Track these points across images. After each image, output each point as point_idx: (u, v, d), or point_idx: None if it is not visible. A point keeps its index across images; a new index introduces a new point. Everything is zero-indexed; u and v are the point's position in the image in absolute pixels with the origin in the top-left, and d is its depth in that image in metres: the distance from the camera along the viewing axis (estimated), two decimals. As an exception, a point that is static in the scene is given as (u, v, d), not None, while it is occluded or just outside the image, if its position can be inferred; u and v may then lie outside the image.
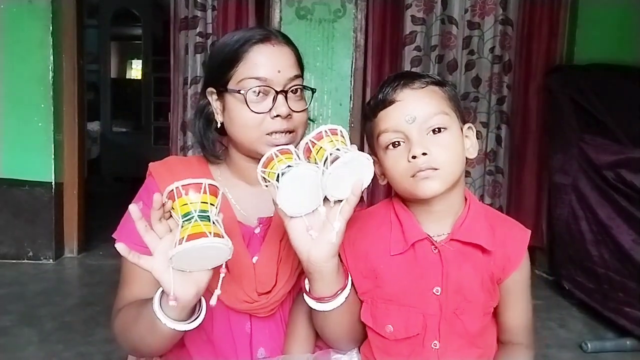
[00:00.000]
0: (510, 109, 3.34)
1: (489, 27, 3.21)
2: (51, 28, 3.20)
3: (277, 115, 0.95)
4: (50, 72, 3.21)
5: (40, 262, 3.28)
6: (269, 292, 0.97)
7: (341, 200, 0.83)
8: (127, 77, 7.96)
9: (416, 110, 0.87)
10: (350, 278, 0.92)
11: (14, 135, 3.23)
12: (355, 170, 0.81)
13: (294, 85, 0.98)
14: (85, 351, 2.22)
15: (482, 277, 0.91)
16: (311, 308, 0.90)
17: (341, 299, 0.88)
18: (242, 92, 0.94)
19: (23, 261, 3.27)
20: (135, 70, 7.82)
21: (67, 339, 2.32)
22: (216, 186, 0.80)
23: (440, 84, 0.92)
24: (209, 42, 3.26)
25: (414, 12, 3.15)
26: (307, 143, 0.84)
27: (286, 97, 0.96)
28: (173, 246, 0.77)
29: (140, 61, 6.74)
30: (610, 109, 2.79)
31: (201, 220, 0.77)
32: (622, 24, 3.23)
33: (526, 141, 3.40)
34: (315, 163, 0.83)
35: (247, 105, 0.94)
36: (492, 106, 3.29)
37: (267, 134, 0.95)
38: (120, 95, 6.73)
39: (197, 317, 0.86)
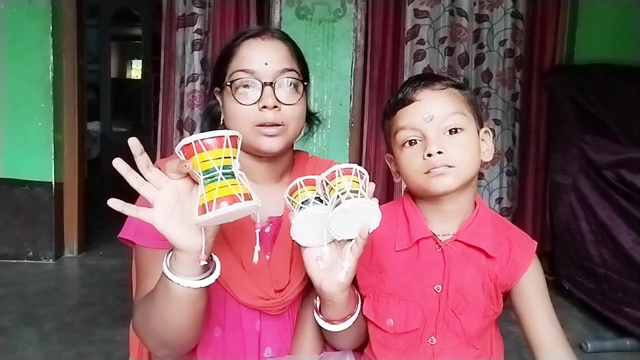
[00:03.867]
0: (522, 106, 3.30)
1: (499, 19, 3.20)
2: (51, 28, 3.20)
3: (264, 107, 0.94)
4: (50, 72, 3.21)
5: (40, 262, 3.28)
6: (283, 290, 0.98)
7: (352, 239, 0.85)
8: (127, 77, 7.98)
9: (434, 110, 0.89)
10: (360, 304, 0.94)
11: (14, 135, 3.23)
12: (360, 214, 0.82)
13: (285, 78, 0.97)
14: (85, 351, 2.22)
15: (484, 280, 0.92)
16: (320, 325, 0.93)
17: (349, 323, 0.91)
18: (228, 84, 0.96)
19: (23, 261, 3.27)
20: (135, 70, 7.84)
21: (67, 339, 2.31)
22: (237, 136, 0.77)
23: (460, 87, 0.94)
24: (207, 39, 3.25)
25: (416, 6, 3.13)
26: (322, 181, 0.85)
27: (274, 89, 0.96)
28: (199, 208, 0.72)
29: (140, 61, 6.75)
30: (610, 109, 2.79)
31: (227, 179, 0.73)
32: (622, 23, 3.23)
33: (533, 141, 3.36)
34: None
35: (234, 97, 0.95)
36: (507, 102, 3.26)
37: (257, 126, 0.95)
38: (120, 95, 6.73)
39: (212, 272, 0.82)
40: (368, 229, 0.82)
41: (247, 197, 0.74)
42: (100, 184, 5.77)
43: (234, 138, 0.76)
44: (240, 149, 1.00)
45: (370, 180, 0.85)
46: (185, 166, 0.73)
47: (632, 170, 2.40)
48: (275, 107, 0.95)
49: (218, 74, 1.01)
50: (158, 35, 3.60)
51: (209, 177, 0.74)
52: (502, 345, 0.99)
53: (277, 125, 0.96)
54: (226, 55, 0.99)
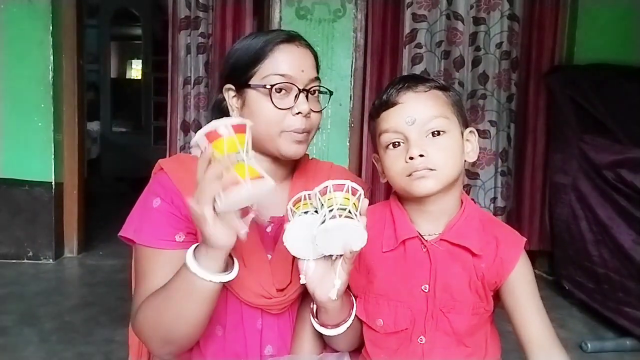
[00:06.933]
0: (517, 107, 3.31)
1: (495, 22, 3.19)
2: (51, 28, 3.20)
3: (299, 113, 0.97)
4: (50, 72, 3.21)
5: (40, 262, 3.28)
6: (285, 289, 0.99)
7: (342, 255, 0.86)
8: (127, 77, 7.96)
9: (416, 113, 0.90)
10: (354, 310, 0.95)
11: (14, 135, 3.23)
12: (344, 234, 0.82)
13: (314, 86, 1.01)
14: (85, 351, 2.22)
15: (471, 279, 0.92)
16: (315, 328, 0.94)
17: (343, 328, 0.93)
18: (267, 86, 0.97)
19: (23, 261, 3.27)
20: (135, 70, 7.83)
21: (67, 339, 2.32)
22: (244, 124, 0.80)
23: (443, 88, 0.95)
24: (210, 42, 3.27)
25: (414, 10, 3.13)
26: (316, 195, 0.86)
27: (307, 96, 0.99)
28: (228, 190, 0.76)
29: (140, 61, 6.75)
30: (610, 109, 2.79)
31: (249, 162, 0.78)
32: (622, 23, 3.23)
33: (530, 141, 3.36)
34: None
35: (271, 100, 0.97)
36: (502, 104, 3.26)
37: (287, 132, 0.98)
38: (120, 95, 6.73)
39: (232, 269, 0.87)
40: (350, 248, 0.83)
41: (258, 177, 0.79)
42: (100, 184, 5.79)
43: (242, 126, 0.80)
44: (260, 151, 1.02)
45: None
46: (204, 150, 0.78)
47: (632, 170, 2.40)
48: (308, 114, 0.98)
49: (241, 73, 1.00)
50: (158, 36, 3.61)
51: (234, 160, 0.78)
52: (498, 344, 0.99)
53: (306, 132, 0.99)
54: (256, 55, 0.99)
